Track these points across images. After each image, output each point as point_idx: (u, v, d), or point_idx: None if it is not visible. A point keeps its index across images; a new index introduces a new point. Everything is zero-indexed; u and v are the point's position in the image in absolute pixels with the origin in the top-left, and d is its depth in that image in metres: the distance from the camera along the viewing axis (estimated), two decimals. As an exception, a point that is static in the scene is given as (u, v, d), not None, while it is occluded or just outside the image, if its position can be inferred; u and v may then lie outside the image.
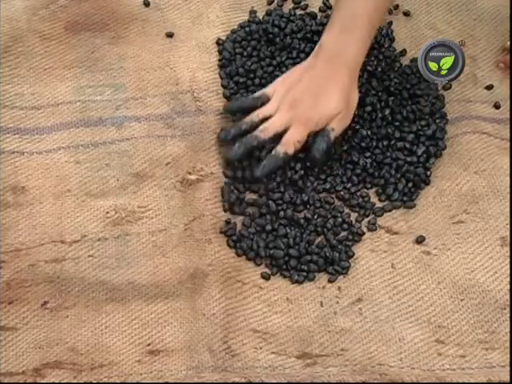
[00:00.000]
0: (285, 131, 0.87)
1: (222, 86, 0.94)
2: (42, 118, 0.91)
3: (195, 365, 0.77)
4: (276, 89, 0.89)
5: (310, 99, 0.87)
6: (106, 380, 0.76)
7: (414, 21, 1.01)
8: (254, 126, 0.87)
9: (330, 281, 0.84)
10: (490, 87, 0.96)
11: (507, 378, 0.77)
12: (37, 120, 0.90)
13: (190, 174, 0.88)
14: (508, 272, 0.84)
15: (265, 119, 0.88)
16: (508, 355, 0.79)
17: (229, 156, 0.87)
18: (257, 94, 0.90)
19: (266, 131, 0.87)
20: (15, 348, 0.77)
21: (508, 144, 0.92)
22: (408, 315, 0.82)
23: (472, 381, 0.77)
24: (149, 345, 0.78)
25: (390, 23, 1.00)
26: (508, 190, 0.89)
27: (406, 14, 1.01)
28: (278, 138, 0.87)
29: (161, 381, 0.76)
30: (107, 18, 0.98)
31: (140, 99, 0.93)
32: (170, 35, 0.97)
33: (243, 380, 0.76)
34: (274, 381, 0.76)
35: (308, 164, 0.89)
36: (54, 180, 0.87)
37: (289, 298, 0.82)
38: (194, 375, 0.76)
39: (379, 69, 0.94)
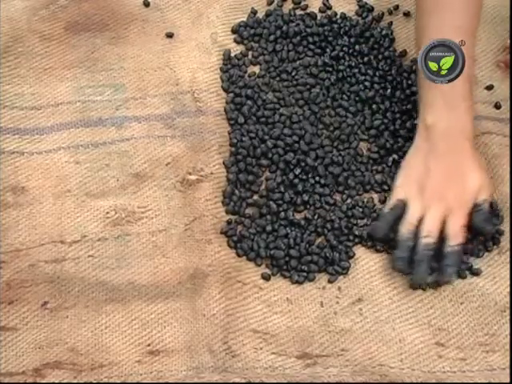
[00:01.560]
0: (443, 224, 0.84)
1: (223, 89, 0.94)
2: (42, 119, 0.91)
3: (195, 365, 0.77)
4: (407, 190, 0.86)
5: (451, 184, 0.85)
6: (106, 380, 0.76)
7: (414, 21, 0.99)
8: (415, 236, 0.84)
9: (330, 281, 0.83)
10: (490, 87, 0.96)
11: (508, 381, 0.77)
12: (37, 120, 0.90)
13: (190, 174, 0.88)
14: (507, 275, 0.84)
15: (419, 223, 0.84)
16: (508, 358, 0.79)
17: (420, 280, 0.83)
18: (391, 204, 0.86)
19: (431, 234, 0.83)
20: (15, 348, 0.77)
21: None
22: (408, 316, 0.82)
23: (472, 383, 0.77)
24: (149, 345, 0.78)
25: (390, 23, 1.00)
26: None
27: (406, 14, 1.01)
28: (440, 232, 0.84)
29: (161, 381, 0.76)
30: (107, 18, 0.98)
31: (140, 99, 0.93)
32: (169, 35, 0.97)
33: (243, 380, 0.76)
34: (274, 381, 0.76)
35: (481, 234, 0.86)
36: (53, 180, 0.87)
37: (289, 298, 0.82)
38: (194, 375, 0.76)
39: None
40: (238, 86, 0.94)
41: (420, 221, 0.84)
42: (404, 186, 0.87)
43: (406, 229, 0.84)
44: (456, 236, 0.83)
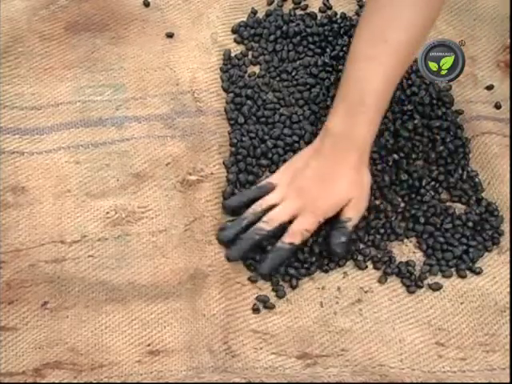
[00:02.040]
0: (290, 222, 0.83)
1: (223, 89, 0.94)
2: (42, 119, 0.91)
3: (195, 365, 0.77)
4: (281, 177, 0.85)
5: (318, 187, 0.83)
6: (106, 380, 0.76)
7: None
8: (257, 219, 0.83)
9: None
10: (490, 87, 0.96)
11: (508, 381, 0.77)
12: (37, 120, 0.90)
13: (190, 174, 0.88)
14: (507, 275, 0.84)
15: (268, 209, 0.83)
16: (508, 358, 0.79)
17: (230, 257, 0.82)
18: (261, 183, 0.86)
19: (270, 222, 0.82)
20: (15, 348, 0.77)
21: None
22: (408, 316, 0.82)
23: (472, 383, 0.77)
24: (149, 345, 0.78)
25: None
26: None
27: (407, 14, 1.01)
28: (283, 229, 0.82)
29: (161, 381, 0.76)
30: (107, 18, 0.98)
31: (140, 99, 0.93)
32: (170, 35, 0.97)
33: (243, 380, 0.76)
34: (274, 381, 0.76)
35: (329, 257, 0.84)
36: (54, 180, 0.86)
37: (288, 298, 0.82)
38: (194, 376, 0.76)
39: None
40: (238, 86, 0.94)
41: (272, 208, 0.83)
42: (280, 173, 0.86)
43: (252, 208, 0.83)
44: (292, 235, 0.82)
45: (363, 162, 0.84)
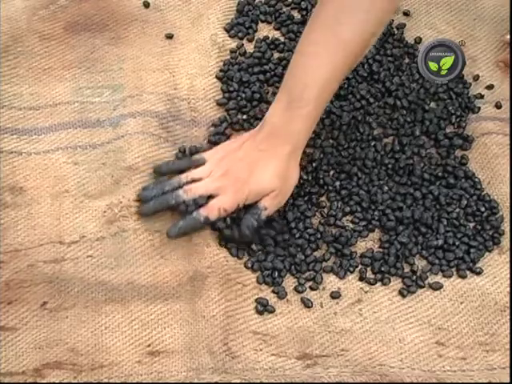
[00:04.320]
0: (210, 198, 0.84)
1: (222, 90, 0.94)
2: (41, 119, 0.90)
3: (195, 366, 0.77)
4: (213, 154, 0.87)
5: (244, 171, 0.83)
6: (106, 380, 0.75)
7: (413, 21, 1.01)
8: (179, 187, 0.85)
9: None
10: (490, 87, 0.96)
11: (508, 380, 0.77)
12: (35, 120, 0.90)
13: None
14: (507, 275, 0.84)
15: (193, 181, 0.85)
16: (508, 357, 0.79)
17: (141, 212, 0.84)
18: (195, 156, 0.87)
19: (189, 192, 0.84)
20: (15, 348, 0.76)
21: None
22: (408, 316, 0.82)
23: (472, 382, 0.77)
24: (149, 346, 0.78)
25: (391, 22, 1.00)
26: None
27: (406, 13, 1.01)
28: (200, 203, 0.84)
29: (161, 381, 0.76)
30: (107, 18, 0.97)
31: (137, 96, 0.92)
32: (169, 36, 0.97)
33: (244, 381, 0.75)
34: (274, 381, 0.76)
35: (237, 238, 0.84)
36: (51, 180, 0.86)
37: (289, 299, 0.82)
38: (195, 377, 0.76)
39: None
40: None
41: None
42: (214, 150, 0.88)
43: (178, 177, 0.85)
44: (209, 209, 0.83)
45: (294, 156, 0.84)
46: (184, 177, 0.85)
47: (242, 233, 0.83)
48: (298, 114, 0.82)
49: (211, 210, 0.83)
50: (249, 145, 0.85)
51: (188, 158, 0.88)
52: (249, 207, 0.84)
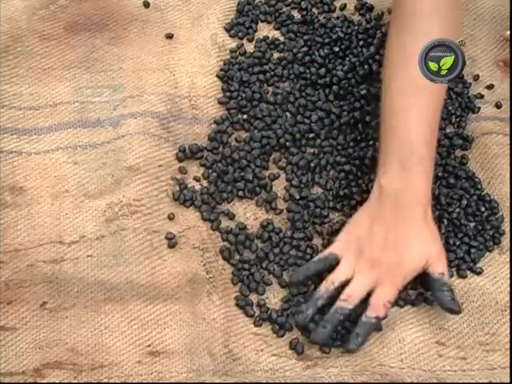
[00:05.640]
0: (369, 292, 0.79)
1: (222, 89, 0.94)
2: (41, 119, 0.90)
3: (196, 368, 0.77)
4: (344, 247, 0.81)
5: (392, 254, 0.78)
6: (106, 380, 0.75)
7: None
8: (331, 296, 0.79)
9: None
10: (490, 87, 0.96)
11: (508, 380, 0.77)
12: (35, 120, 0.90)
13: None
14: (508, 275, 0.84)
15: (341, 286, 0.79)
16: (508, 357, 0.79)
17: (317, 341, 0.78)
18: (322, 254, 0.82)
19: (350, 300, 0.78)
20: (15, 348, 0.76)
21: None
22: (408, 317, 0.81)
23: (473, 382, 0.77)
24: (149, 346, 0.78)
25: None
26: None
27: (406, 14, 1.01)
28: (363, 301, 0.79)
29: (161, 382, 0.76)
30: (107, 18, 0.97)
31: (137, 97, 0.92)
32: (169, 36, 0.97)
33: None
34: (272, 381, 0.76)
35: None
36: (52, 180, 0.86)
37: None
38: (195, 378, 0.76)
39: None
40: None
41: (346, 283, 0.79)
42: (343, 242, 0.82)
43: (324, 286, 0.79)
44: (376, 308, 0.78)
45: (428, 213, 0.80)
46: (330, 283, 0.79)
47: (450, 312, 0.79)
48: (416, 173, 0.79)
49: (379, 309, 0.78)
50: (378, 224, 0.80)
51: (318, 260, 0.81)
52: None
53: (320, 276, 0.81)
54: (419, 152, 0.79)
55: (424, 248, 0.80)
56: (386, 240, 0.79)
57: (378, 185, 0.81)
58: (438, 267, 0.80)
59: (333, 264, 0.81)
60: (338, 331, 0.79)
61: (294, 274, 0.82)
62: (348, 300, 0.78)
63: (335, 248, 0.82)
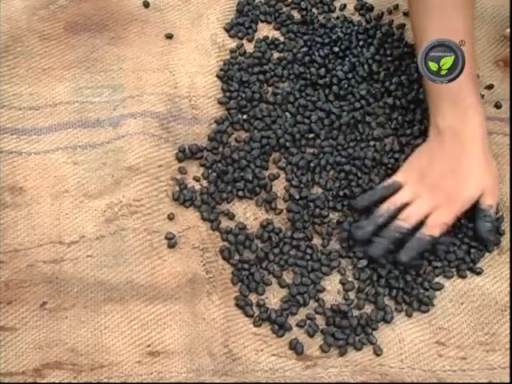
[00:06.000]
0: (425, 217, 0.83)
1: (222, 89, 0.94)
2: (40, 119, 0.90)
3: (196, 368, 0.77)
4: (407, 175, 0.86)
5: (451, 182, 0.83)
6: (106, 380, 0.75)
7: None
8: (392, 217, 0.83)
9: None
10: (490, 87, 0.96)
11: (508, 380, 0.77)
12: (35, 120, 0.90)
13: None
14: (508, 275, 0.84)
15: (401, 207, 0.84)
16: (508, 357, 0.79)
17: (373, 254, 0.82)
18: (387, 182, 0.86)
19: (408, 219, 0.83)
20: (15, 348, 0.76)
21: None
22: (408, 317, 0.81)
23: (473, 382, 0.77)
24: (149, 346, 0.78)
25: (391, 22, 1.00)
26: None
27: (406, 13, 1.01)
28: (420, 224, 0.83)
29: (161, 382, 0.76)
30: (107, 18, 0.97)
31: (137, 97, 0.92)
32: (169, 36, 0.97)
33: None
34: (272, 381, 0.76)
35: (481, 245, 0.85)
36: (51, 180, 0.86)
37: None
38: (195, 378, 0.76)
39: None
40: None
41: (405, 206, 0.84)
42: (406, 171, 0.86)
43: (386, 206, 0.84)
44: (431, 228, 0.82)
45: (486, 146, 0.85)
46: (392, 204, 0.84)
47: (485, 240, 0.84)
48: (468, 109, 0.83)
49: (434, 228, 0.82)
50: (440, 155, 0.84)
51: (383, 187, 0.86)
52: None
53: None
54: (466, 86, 0.84)
55: (481, 179, 0.84)
56: (446, 169, 0.84)
57: (434, 124, 0.86)
58: (489, 199, 0.84)
59: (396, 190, 0.85)
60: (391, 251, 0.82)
61: (359, 200, 0.86)
62: (406, 220, 0.83)
63: (399, 176, 0.86)
